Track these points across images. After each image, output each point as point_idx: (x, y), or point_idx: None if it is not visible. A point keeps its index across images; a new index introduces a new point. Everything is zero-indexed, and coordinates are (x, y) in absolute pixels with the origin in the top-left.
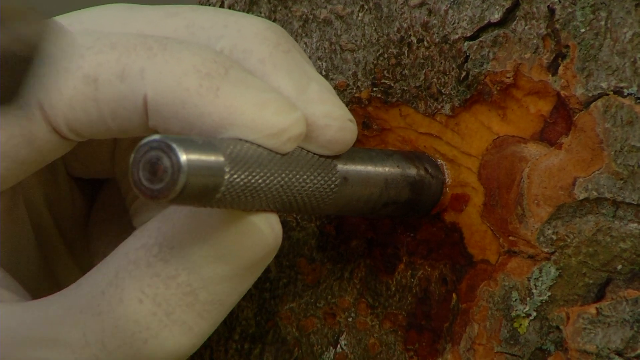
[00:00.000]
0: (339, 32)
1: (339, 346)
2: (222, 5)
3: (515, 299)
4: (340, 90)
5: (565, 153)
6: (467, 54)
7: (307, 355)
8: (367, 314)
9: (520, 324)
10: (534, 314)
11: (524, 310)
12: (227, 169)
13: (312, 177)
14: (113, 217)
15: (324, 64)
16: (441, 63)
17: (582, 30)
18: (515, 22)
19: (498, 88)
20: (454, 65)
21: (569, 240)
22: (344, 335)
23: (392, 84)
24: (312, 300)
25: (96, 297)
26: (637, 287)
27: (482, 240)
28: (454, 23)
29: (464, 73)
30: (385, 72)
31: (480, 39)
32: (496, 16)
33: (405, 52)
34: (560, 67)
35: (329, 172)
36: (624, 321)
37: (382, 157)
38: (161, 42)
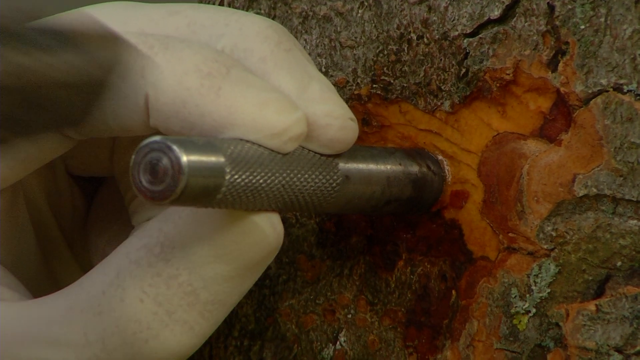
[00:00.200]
0: (338, 28)
1: (338, 343)
2: (222, 3)
3: (515, 296)
4: (339, 87)
5: (565, 150)
6: (467, 51)
7: (306, 352)
8: (367, 311)
9: (520, 321)
10: (534, 310)
11: (524, 307)
12: (227, 170)
13: (313, 176)
14: (112, 216)
15: (324, 60)
16: (441, 60)
17: (582, 27)
18: (515, 19)
19: (498, 85)
20: (453, 62)
21: (568, 236)
22: (343, 332)
23: (392, 81)
24: (312, 297)
25: (97, 296)
26: (636, 283)
27: (481, 237)
28: (453, 20)
29: (463, 70)
30: (385, 68)
31: (480, 35)
32: (496, 13)
33: (405, 48)
34: (560, 64)
35: (330, 171)
36: (624, 318)
37: (384, 155)
38: (162, 41)
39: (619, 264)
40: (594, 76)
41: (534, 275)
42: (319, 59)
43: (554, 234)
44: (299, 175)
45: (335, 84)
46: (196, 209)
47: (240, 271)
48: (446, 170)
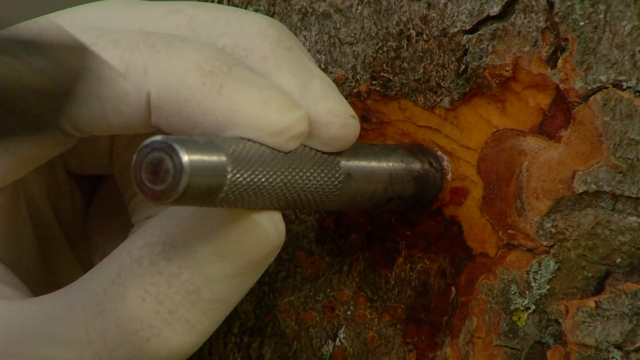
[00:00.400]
0: (338, 25)
1: (337, 339)
2: (221, 1)
3: (514, 293)
4: (339, 83)
5: (565, 146)
6: (466, 47)
7: (306, 349)
8: (366, 308)
9: (519, 318)
10: (533, 307)
11: (523, 304)
12: (229, 169)
13: (315, 174)
14: (111, 214)
15: (323, 57)
16: (440, 56)
17: (581, 23)
18: (514, 15)
19: (497, 81)
20: (453, 59)
21: (568, 233)
22: (342, 329)
23: (391, 77)
24: (311, 294)
25: (98, 295)
26: (636, 280)
27: (481, 233)
28: (453, 16)
29: (463, 66)
30: (384, 65)
31: (479, 32)
32: (495, 9)
33: (405, 45)
34: (560, 60)
35: (332, 169)
36: (623, 314)
37: (386, 152)
38: (164, 39)
39: (618, 260)
40: (594, 73)
41: (534, 271)
42: (318, 56)
43: (553, 230)
44: (301, 174)
45: (334, 81)
46: (198, 208)
47: (242, 270)
48: (446, 167)
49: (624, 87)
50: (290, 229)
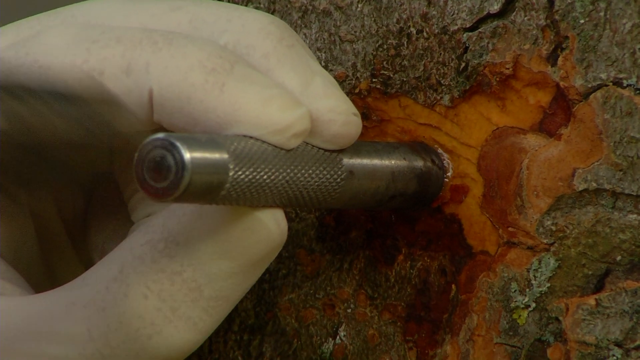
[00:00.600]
0: (338, 23)
1: (338, 337)
2: None
3: (515, 290)
4: (339, 81)
5: (565, 144)
6: (467, 45)
7: (306, 346)
8: (367, 305)
9: (520, 315)
10: (533, 305)
11: (523, 302)
12: (231, 166)
13: (317, 171)
14: (111, 212)
15: (323, 54)
16: (440, 54)
17: (582, 21)
18: (514, 13)
19: (497, 79)
20: (453, 56)
21: (568, 231)
22: (343, 326)
23: (392, 75)
24: (312, 291)
25: (100, 292)
26: (636, 278)
27: (481, 231)
28: (453, 14)
29: (463, 64)
30: (384, 63)
31: (479, 30)
32: (495, 7)
33: (405, 43)
34: (560, 58)
35: (334, 167)
36: (624, 312)
37: (388, 150)
38: (167, 36)
39: (618, 258)
40: (594, 70)
41: (534, 269)
42: (319, 53)
43: (553, 228)
44: (303, 171)
45: (334, 78)
46: (200, 205)
47: (244, 267)
48: (446, 165)
49: (624, 84)
50: (290, 227)
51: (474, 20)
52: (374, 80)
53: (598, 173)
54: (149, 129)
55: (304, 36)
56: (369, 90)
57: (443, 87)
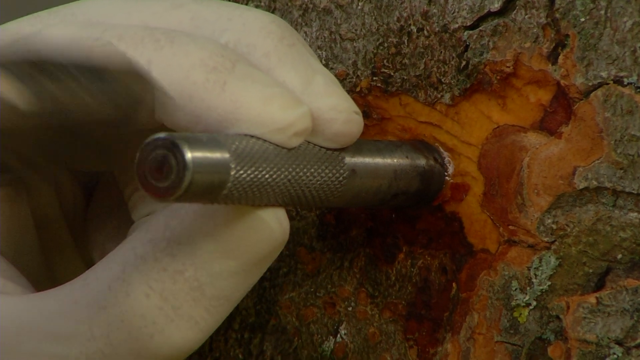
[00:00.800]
0: (338, 21)
1: (338, 335)
2: None
3: (515, 289)
4: (340, 79)
5: (565, 142)
6: (467, 43)
7: (307, 345)
8: (367, 304)
9: (520, 314)
10: (534, 303)
11: (524, 300)
12: (232, 165)
13: (319, 170)
14: (111, 210)
15: (324, 53)
16: (441, 52)
17: (582, 19)
18: (515, 11)
19: (498, 77)
20: (454, 55)
21: (568, 229)
22: (343, 325)
23: (392, 73)
24: (312, 290)
25: (102, 291)
26: (637, 276)
27: (482, 229)
28: (453, 12)
29: (464, 62)
30: (385, 61)
31: (480, 28)
32: (496, 5)
33: (405, 41)
34: (560, 57)
35: (336, 165)
36: (624, 310)
37: (391, 149)
38: (168, 34)
39: (619, 256)
40: (594, 69)
41: (535, 268)
42: (319, 52)
43: (554, 226)
44: (305, 170)
45: (335, 77)
46: (202, 204)
47: (246, 266)
48: (446, 163)
49: (625, 83)
50: (291, 225)
51: (474, 19)
52: (374, 78)
53: (599, 171)
54: (151, 127)
55: (304, 34)
56: (369, 88)
57: (444, 85)
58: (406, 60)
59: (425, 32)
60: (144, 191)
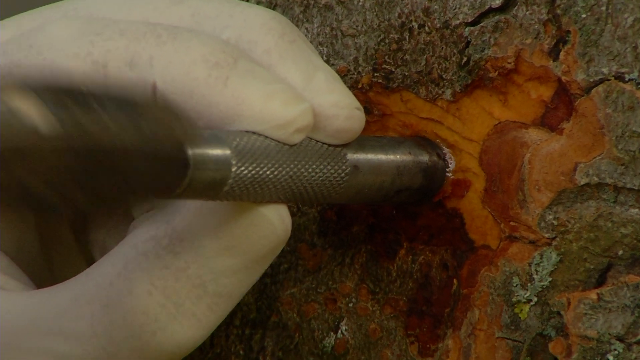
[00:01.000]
0: (340, 17)
1: (339, 331)
2: None
3: (516, 285)
4: (341, 75)
5: (566, 138)
6: (468, 40)
7: (307, 341)
8: (368, 300)
9: (521, 310)
10: (535, 299)
11: (525, 296)
12: (233, 162)
13: (321, 167)
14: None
15: (325, 49)
16: (442, 48)
17: (583, 15)
18: (516, 8)
19: (499, 73)
20: (455, 51)
21: (570, 225)
22: (344, 321)
23: (393, 69)
24: (313, 286)
25: (104, 288)
26: (638, 272)
27: (483, 225)
28: (455, 8)
29: (465, 58)
30: (386, 57)
31: (481, 24)
32: (497, 1)
33: (407, 37)
34: (562, 53)
35: (339, 162)
36: (625, 306)
37: (393, 145)
38: (170, 30)
39: (620, 252)
40: (596, 65)
41: (536, 264)
42: (320, 48)
43: (555, 222)
44: (307, 167)
45: (336, 73)
46: (204, 201)
47: (248, 263)
48: (448, 159)
49: (626, 79)
50: (292, 221)
51: (475, 15)
52: (375, 74)
53: (600, 167)
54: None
55: (305, 30)
56: (370, 84)
57: (445, 81)
58: (407, 57)
59: (427, 28)
60: None
